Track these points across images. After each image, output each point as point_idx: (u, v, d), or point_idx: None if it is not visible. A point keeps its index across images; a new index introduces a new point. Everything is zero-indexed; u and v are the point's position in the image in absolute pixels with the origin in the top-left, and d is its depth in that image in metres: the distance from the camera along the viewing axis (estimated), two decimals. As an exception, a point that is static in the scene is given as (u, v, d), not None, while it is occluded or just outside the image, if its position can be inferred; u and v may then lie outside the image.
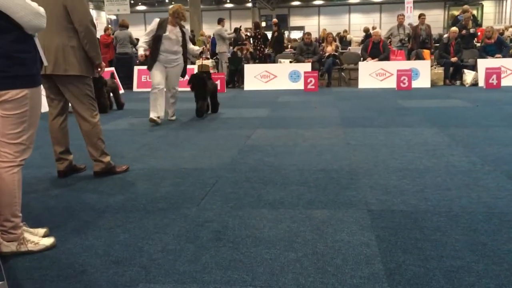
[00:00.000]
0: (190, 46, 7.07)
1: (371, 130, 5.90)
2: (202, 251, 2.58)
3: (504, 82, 10.56)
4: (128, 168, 4.34)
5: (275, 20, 16.38)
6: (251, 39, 14.10)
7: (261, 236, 2.75)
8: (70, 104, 4.07)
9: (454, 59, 11.23)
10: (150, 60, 6.69)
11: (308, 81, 11.10)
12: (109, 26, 15.62)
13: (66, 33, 3.78)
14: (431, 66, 11.50)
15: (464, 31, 11.89)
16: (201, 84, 7.04)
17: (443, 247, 2.54)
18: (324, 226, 2.88)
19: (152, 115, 6.69)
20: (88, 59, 3.90)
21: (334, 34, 16.45)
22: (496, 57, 11.18)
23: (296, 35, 33.54)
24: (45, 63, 2.66)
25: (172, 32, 6.64)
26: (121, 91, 10.79)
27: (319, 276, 2.27)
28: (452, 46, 11.36)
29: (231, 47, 13.95)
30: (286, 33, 34.06)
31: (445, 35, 13.07)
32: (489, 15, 32.39)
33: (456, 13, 16.04)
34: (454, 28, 11.79)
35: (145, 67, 12.35)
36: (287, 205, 3.28)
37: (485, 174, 3.88)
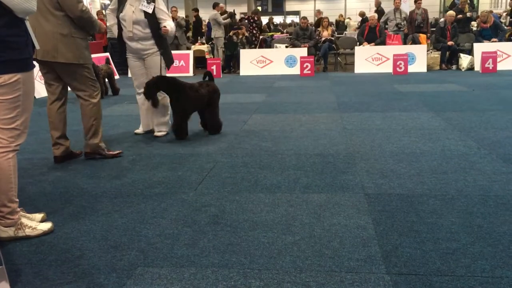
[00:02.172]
0: (168, 26, 4.73)
1: (368, 115, 5.90)
2: (199, 235, 2.58)
3: (500, 66, 10.57)
4: (121, 153, 4.35)
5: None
6: (245, 21, 14.01)
7: (259, 220, 2.76)
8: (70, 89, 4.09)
9: (450, 43, 11.20)
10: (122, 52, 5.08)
11: (304, 66, 11.06)
12: (102, 11, 15.46)
13: (56, 20, 3.78)
14: (427, 51, 11.48)
15: (460, 15, 11.85)
16: (171, 87, 4.66)
17: (439, 230, 2.56)
18: (321, 209, 2.90)
19: (140, 128, 5.29)
20: (81, 46, 3.91)
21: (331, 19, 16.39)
22: (492, 41, 11.17)
23: (290, 19, 33.27)
24: (37, 46, 2.63)
25: (130, 8, 4.66)
26: (116, 76, 10.72)
27: (317, 259, 2.29)
28: (448, 30, 11.33)
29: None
30: (281, 18, 33.82)
31: (442, 19, 13.04)
32: (485, -1, 32.20)
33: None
34: (451, 12, 11.74)
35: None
36: (284, 189, 3.29)
37: (481, 157, 3.90)
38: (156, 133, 5.09)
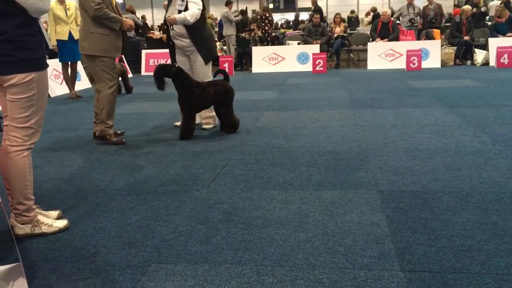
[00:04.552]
0: (182, 14, 4.76)
1: (381, 111, 5.87)
2: (213, 232, 2.60)
3: (516, 61, 10.42)
4: (125, 142, 4.75)
5: None
6: (258, 21, 13.99)
7: (271, 217, 2.77)
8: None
9: (466, 38, 11.06)
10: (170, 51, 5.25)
11: (317, 62, 11.03)
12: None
13: (83, 19, 4.59)
14: (441, 46, 11.35)
15: (474, 9, 11.70)
16: (179, 80, 4.65)
17: (454, 227, 2.54)
18: (334, 206, 2.89)
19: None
20: (101, 41, 4.50)
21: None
22: (508, 36, 11.01)
23: (304, 16, 33.09)
24: (50, 46, 2.69)
25: (172, 9, 4.93)
26: (130, 75, 10.80)
27: (330, 256, 2.29)
28: (464, 25, 11.19)
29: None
30: (293, 14, 33.67)
31: (457, 16, 12.91)
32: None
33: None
34: (467, 7, 11.60)
35: (153, 51, 12.45)
36: (296, 186, 3.29)
37: (496, 154, 3.86)
38: (204, 126, 5.31)
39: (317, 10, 14.36)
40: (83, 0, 4.45)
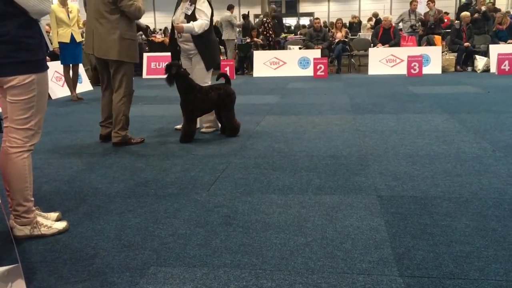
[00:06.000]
0: (191, 23, 4.81)
1: (381, 117, 5.87)
2: (212, 236, 2.60)
3: (517, 68, 10.43)
4: (144, 140, 4.89)
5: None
6: (263, 26, 14.02)
7: (271, 221, 2.77)
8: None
9: (467, 45, 11.08)
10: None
11: (318, 67, 11.05)
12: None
13: (111, 24, 4.43)
14: (442, 52, 11.38)
15: (476, 14, 11.71)
16: (182, 83, 4.67)
17: (453, 233, 2.54)
18: (333, 211, 2.89)
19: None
20: (135, 47, 4.58)
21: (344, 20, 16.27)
22: (509, 43, 11.03)
23: (305, 21, 33.16)
24: (50, 48, 2.70)
25: (179, 12, 5.04)
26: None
27: (328, 260, 2.29)
28: (464, 32, 11.22)
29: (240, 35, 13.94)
30: (295, 19, 33.79)
31: (456, 21, 12.95)
32: (502, 0, 31.74)
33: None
34: (466, 13, 11.63)
35: (155, 54, 12.47)
36: (296, 190, 3.29)
37: (496, 160, 3.86)
38: (205, 130, 5.29)
39: (275, 16, 14.55)
40: (123, 5, 4.35)
